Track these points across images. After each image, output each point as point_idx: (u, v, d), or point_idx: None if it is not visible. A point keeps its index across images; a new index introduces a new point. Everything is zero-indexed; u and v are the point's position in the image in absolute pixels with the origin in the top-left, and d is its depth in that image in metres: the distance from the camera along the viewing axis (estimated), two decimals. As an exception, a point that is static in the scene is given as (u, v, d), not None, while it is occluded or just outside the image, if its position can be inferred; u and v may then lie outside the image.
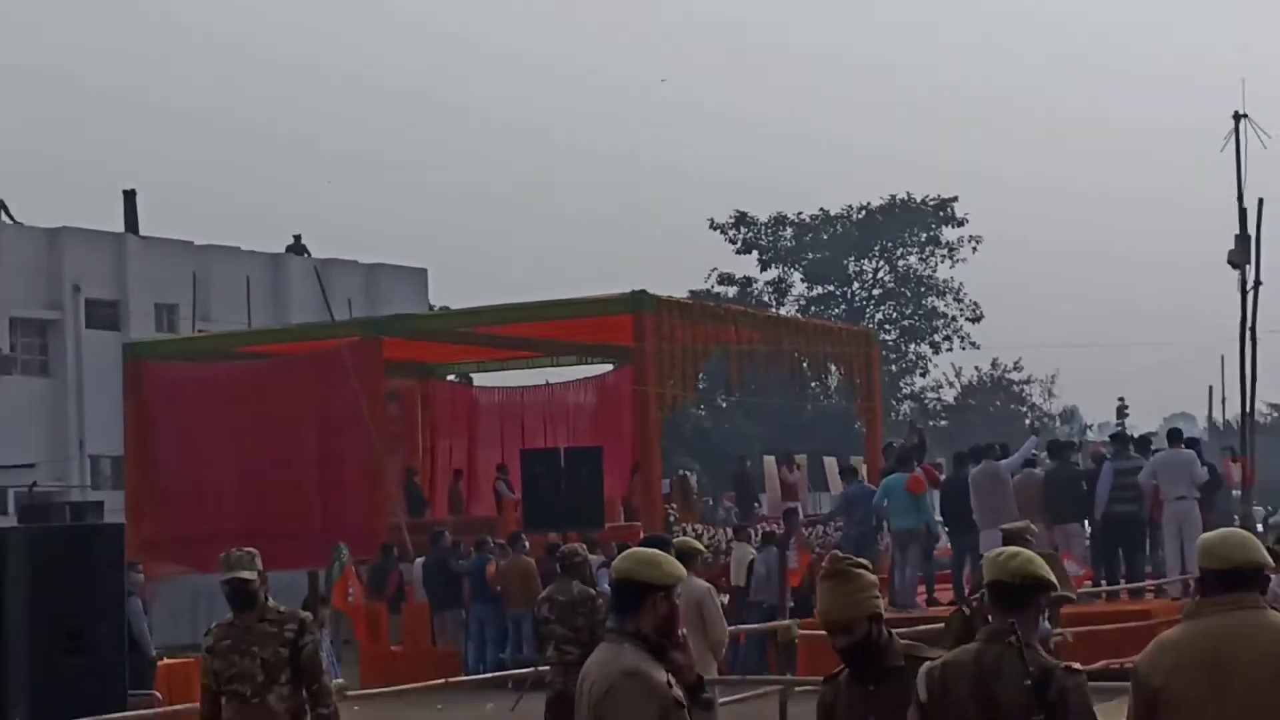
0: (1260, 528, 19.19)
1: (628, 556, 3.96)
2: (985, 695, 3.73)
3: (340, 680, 10.44)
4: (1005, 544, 8.49)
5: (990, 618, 3.88)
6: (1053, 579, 4.06)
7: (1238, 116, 18.51)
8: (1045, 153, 76.76)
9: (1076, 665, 3.94)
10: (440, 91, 77.40)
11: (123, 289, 30.42)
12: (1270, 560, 3.95)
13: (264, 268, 32.15)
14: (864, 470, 19.44)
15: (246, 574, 6.69)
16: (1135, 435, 20.61)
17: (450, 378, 25.74)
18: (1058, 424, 37.42)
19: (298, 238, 33.33)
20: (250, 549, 6.79)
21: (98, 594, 10.37)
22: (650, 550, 4.20)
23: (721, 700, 9.26)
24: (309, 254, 32.87)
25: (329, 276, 29.47)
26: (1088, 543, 16.92)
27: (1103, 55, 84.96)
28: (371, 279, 33.68)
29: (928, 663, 3.93)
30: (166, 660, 14.29)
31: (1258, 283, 18.40)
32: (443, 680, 12.48)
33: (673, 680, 3.81)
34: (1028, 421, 34.88)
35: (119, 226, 31.56)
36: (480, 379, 26.07)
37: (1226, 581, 3.82)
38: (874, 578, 3.87)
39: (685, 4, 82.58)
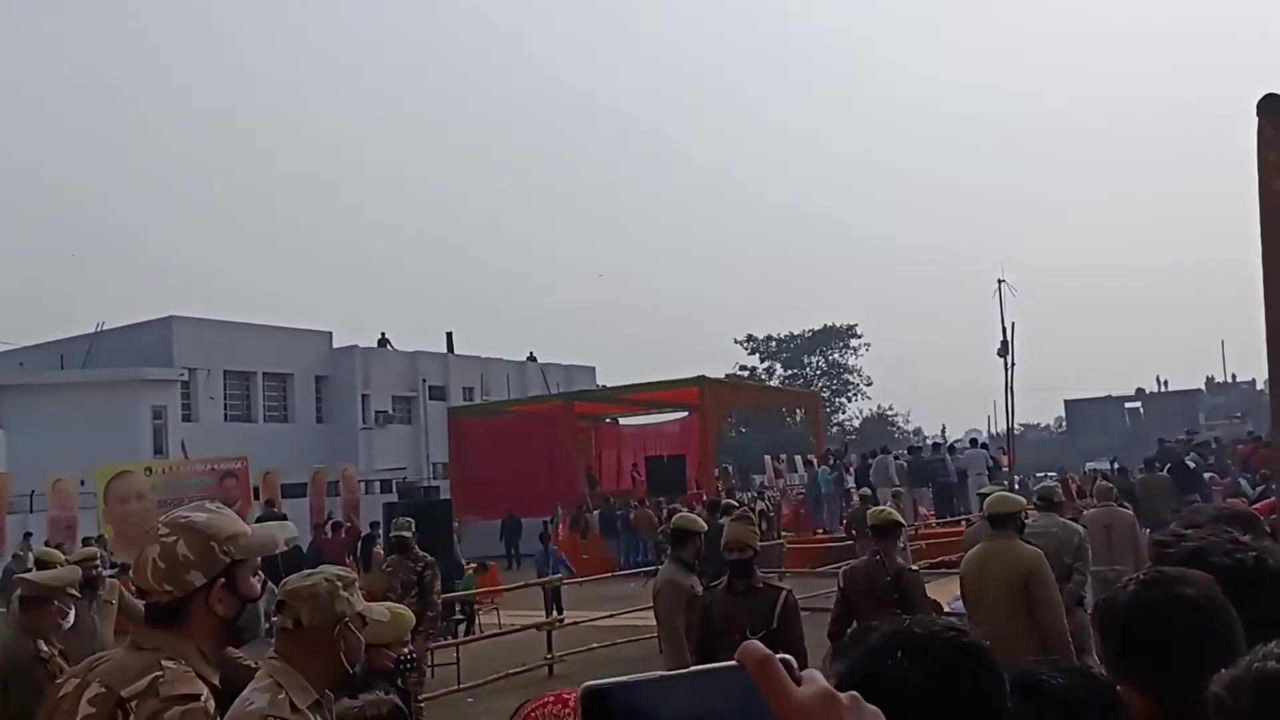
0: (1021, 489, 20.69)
1: (679, 517, 6.15)
2: (870, 584, 5.73)
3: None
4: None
5: (872, 543, 5.95)
6: (902, 521, 6.37)
7: (999, 281, 27.82)
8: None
9: (914, 567, 6.26)
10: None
11: (446, 380, 43.00)
12: (1022, 507, 5.95)
13: (515, 369, 45.37)
14: (815, 463, 27.13)
15: (405, 533, 9.43)
16: (949, 442, 32.42)
17: (607, 420, 35.04)
18: (912, 437, 54.09)
19: (531, 353, 46.82)
20: (409, 518, 9.85)
21: (443, 531, 14.56)
22: (691, 516, 6.45)
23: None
24: (537, 359, 46.37)
25: (549, 371, 43.41)
26: (931, 497, 24.61)
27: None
28: (569, 373, 46.11)
29: (846, 563, 6.14)
30: (470, 563, 17.83)
31: (1012, 364, 25.95)
32: (609, 573, 18.08)
33: (696, 583, 5.80)
34: (896, 437, 52.28)
35: (444, 349, 44.62)
36: (624, 421, 35.47)
37: (995, 521, 5.68)
38: (755, 526, 5.37)
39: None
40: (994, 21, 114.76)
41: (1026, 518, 6.11)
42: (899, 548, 6.58)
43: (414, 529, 9.90)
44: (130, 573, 2.42)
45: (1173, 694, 1.54)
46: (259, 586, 2.40)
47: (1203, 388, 76.32)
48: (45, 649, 5.25)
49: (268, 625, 2.45)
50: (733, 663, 0.77)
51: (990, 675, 1.16)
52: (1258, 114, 2.28)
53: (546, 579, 15.18)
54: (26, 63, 71.44)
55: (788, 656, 0.77)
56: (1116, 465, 24.76)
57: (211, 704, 2.22)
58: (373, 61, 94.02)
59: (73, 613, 5.80)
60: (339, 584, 2.74)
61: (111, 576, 7.91)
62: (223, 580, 2.29)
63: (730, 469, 30.82)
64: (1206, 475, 21.50)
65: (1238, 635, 1.59)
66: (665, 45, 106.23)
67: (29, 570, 7.80)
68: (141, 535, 2.41)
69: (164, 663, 2.18)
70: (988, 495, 6.65)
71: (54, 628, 5.47)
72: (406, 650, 3.64)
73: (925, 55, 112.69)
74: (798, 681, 0.76)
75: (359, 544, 22.03)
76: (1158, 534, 2.19)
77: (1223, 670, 1.22)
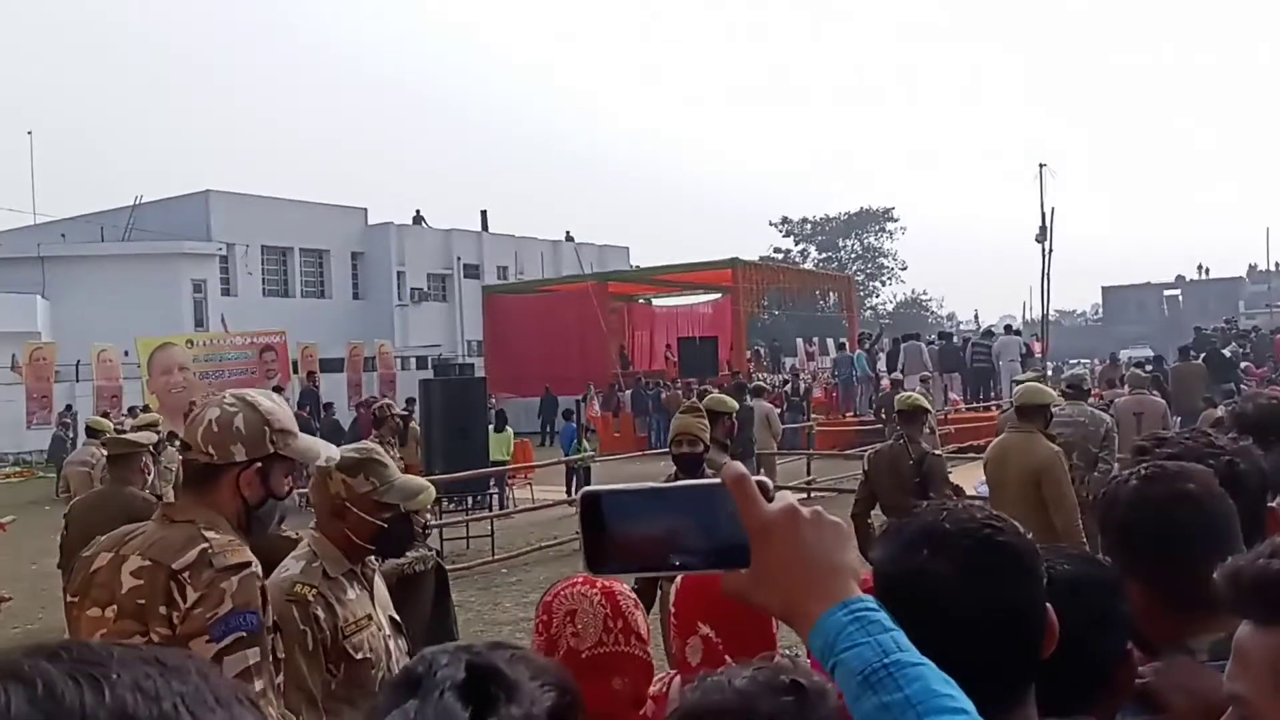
0: (1053, 376, 22.39)
1: (710, 398, 6.05)
2: (893, 468, 5.83)
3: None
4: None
5: (898, 426, 6.10)
6: (928, 406, 6.28)
7: (1040, 165, 27.92)
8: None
9: (938, 451, 6.57)
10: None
11: (481, 259, 43.18)
12: (1054, 399, 5.94)
13: (549, 248, 45.44)
14: (847, 346, 28.15)
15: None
16: (986, 327, 32.46)
17: (641, 300, 35.13)
18: (945, 323, 53.80)
19: (568, 232, 46.97)
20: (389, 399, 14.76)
21: (477, 408, 14.82)
22: (721, 396, 6.31)
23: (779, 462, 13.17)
24: (573, 239, 46.12)
25: (583, 251, 42.46)
26: (961, 382, 24.37)
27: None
28: (603, 253, 45.64)
29: (871, 447, 6.04)
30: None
31: (1050, 250, 26.62)
32: (639, 452, 17.90)
33: (725, 459, 5.14)
34: (930, 322, 52.13)
35: (478, 226, 44.50)
36: (657, 302, 35.79)
37: (1022, 413, 5.76)
38: (704, 417, 5.10)
39: None
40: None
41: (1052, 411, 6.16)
42: (925, 432, 6.55)
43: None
44: (183, 426, 2.52)
45: (1174, 587, 1.58)
46: (287, 488, 2.48)
47: (1244, 275, 74.95)
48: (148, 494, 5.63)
49: (280, 521, 2.54)
50: (717, 480, 0.89)
51: (1023, 573, 1.19)
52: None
53: (574, 457, 15.42)
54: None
55: (764, 479, 0.90)
56: (1152, 353, 24.58)
57: (260, 569, 2.31)
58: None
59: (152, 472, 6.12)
60: (334, 467, 2.80)
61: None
62: (259, 466, 2.37)
63: (762, 351, 31.12)
64: (1242, 365, 21.33)
65: (1236, 529, 1.62)
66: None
67: (73, 439, 8.14)
68: (204, 399, 2.52)
69: (206, 533, 2.25)
70: (1021, 383, 6.63)
71: (142, 483, 5.83)
72: (425, 519, 3.90)
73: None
74: (770, 500, 0.88)
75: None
76: (1137, 439, 2.19)
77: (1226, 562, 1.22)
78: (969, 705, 0.84)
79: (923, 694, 0.82)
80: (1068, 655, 1.25)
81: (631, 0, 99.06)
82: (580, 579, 1.90)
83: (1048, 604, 1.20)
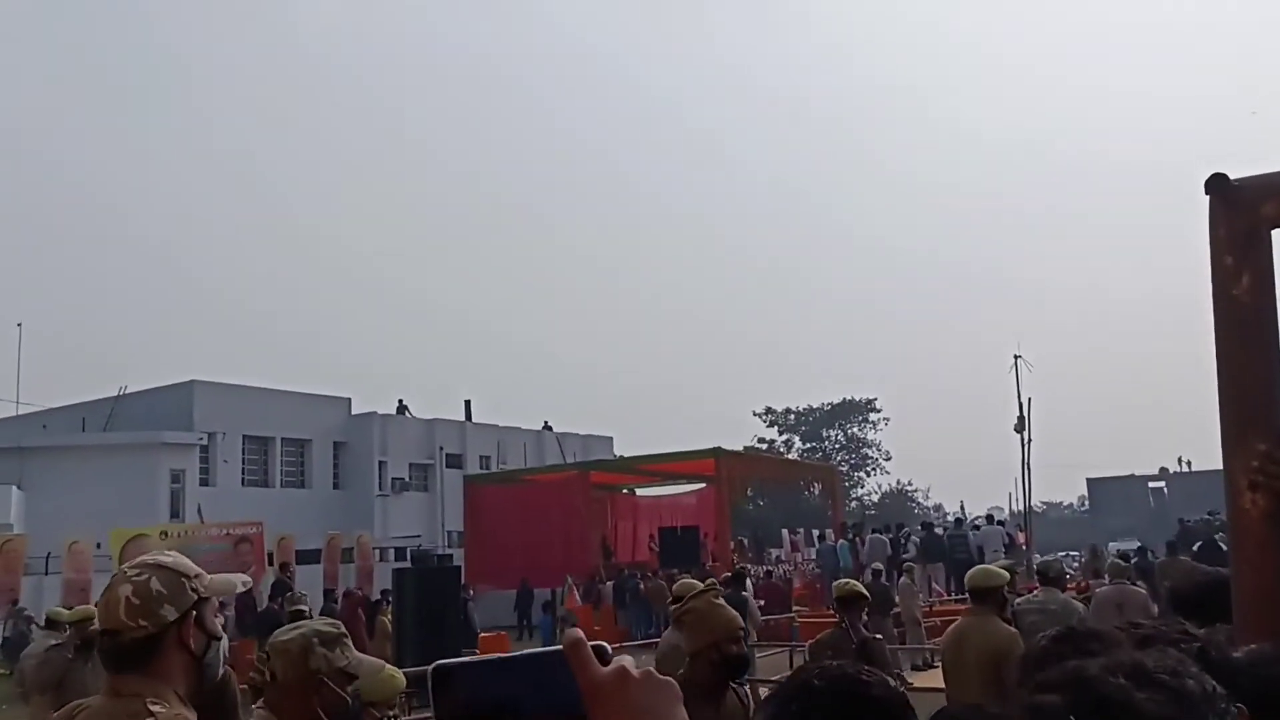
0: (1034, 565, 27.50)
1: (680, 584, 6.10)
2: (835, 655, 5.46)
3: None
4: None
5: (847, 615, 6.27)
6: (865, 593, 6.39)
7: (1015, 357, 29.98)
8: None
9: (878, 635, 6.56)
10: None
11: (464, 448, 43.28)
12: (1006, 579, 5.83)
13: (532, 438, 45.46)
14: (830, 537, 28.37)
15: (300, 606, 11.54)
16: (957, 517, 31.47)
17: (624, 490, 34.64)
18: (932, 513, 53.29)
19: (546, 422, 46.98)
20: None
21: (450, 599, 14.92)
22: (690, 581, 5.88)
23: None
24: (552, 429, 46.56)
25: (566, 441, 43.56)
26: (944, 573, 24.24)
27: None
28: (586, 442, 46.19)
29: (821, 634, 6.14)
30: (483, 633, 18.55)
31: (1029, 440, 29.69)
32: (618, 643, 15.51)
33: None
34: (916, 513, 51.67)
35: (461, 416, 44.85)
36: (641, 492, 35.19)
37: (975, 596, 5.74)
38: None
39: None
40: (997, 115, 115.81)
41: (1014, 594, 6.10)
42: (862, 620, 6.52)
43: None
44: (95, 618, 2.49)
45: None
46: (220, 625, 2.46)
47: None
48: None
49: (225, 667, 2.49)
50: (558, 646, 0.90)
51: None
52: (1206, 193, 2.33)
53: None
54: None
55: (601, 643, 0.90)
56: (1139, 546, 24.43)
57: None
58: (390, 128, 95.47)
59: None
60: (316, 640, 2.77)
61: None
62: (194, 614, 2.34)
63: (745, 541, 30.73)
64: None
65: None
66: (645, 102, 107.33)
67: (32, 629, 7.87)
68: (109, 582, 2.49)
69: (151, 708, 2.20)
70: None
71: None
72: (393, 713, 3.65)
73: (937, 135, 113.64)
74: (606, 664, 0.89)
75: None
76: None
77: None
78: None
79: None
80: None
81: (626, 189, 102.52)
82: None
83: None
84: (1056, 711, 0.89)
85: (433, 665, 0.92)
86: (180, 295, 73.21)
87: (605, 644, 0.92)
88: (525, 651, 0.95)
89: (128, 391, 37.71)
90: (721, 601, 4.07)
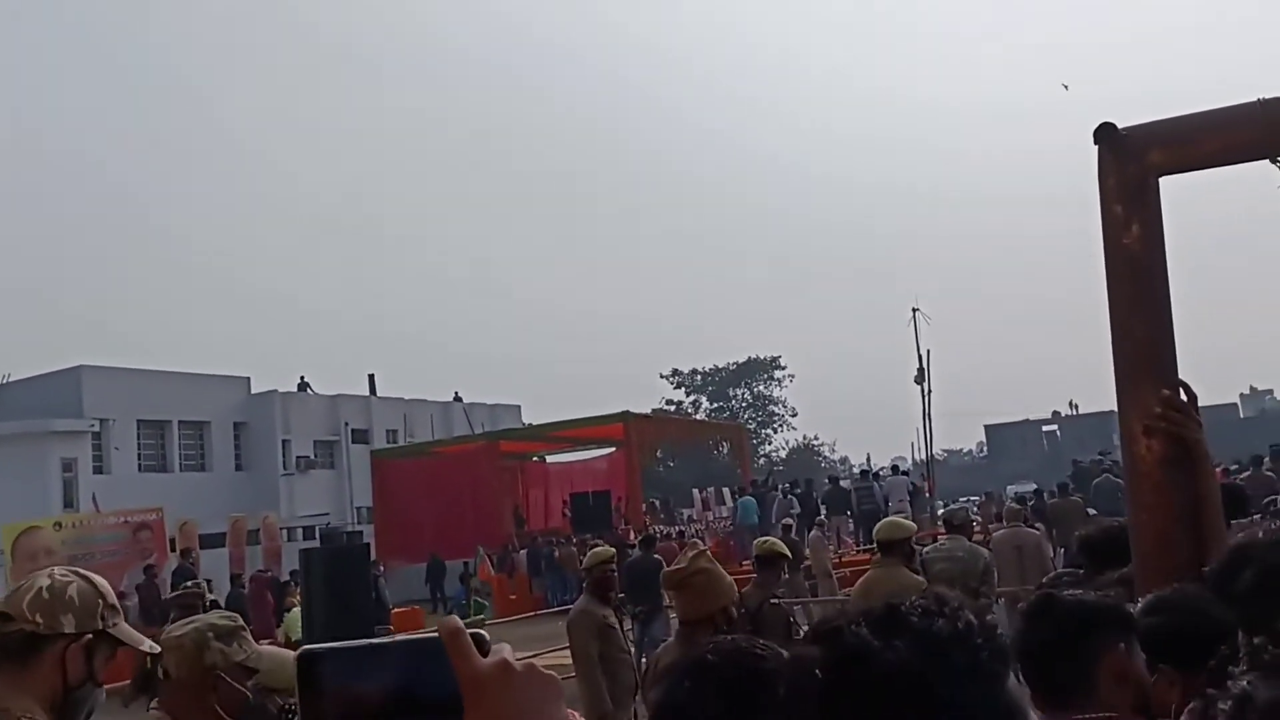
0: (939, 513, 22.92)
1: (591, 552, 6.75)
2: (757, 613, 5.75)
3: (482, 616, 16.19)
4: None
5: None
6: (786, 552, 6.39)
7: (913, 310, 29.73)
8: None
9: (777, 598, 6.08)
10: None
11: (369, 423, 43.17)
12: (913, 531, 6.11)
13: (439, 410, 45.13)
14: (740, 495, 27.66)
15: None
16: (872, 470, 31.69)
17: (534, 458, 34.95)
18: (839, 467, 54.59)
19: (457, 393, 46.82)
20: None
21: (359, 577, 12.66)
22: (603, 549, 6.79)
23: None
24: (462, 400, 46.27)
25: (473, 411, 43.18)
26: (852, 525, 24.39)
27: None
28: (494, 412, 46.42)
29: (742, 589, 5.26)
30: (396, 609, 19.02)
31: (929, 391, 29.11)
32: (533, 612, 18.02)
33: (610, 614, 6.09)
34: (823, 466, 52.76)
35: (365, 391, 44.77)
36: (551, 459, 35.62)
37: (883, 548, 5.92)
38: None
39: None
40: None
41: (918, 544, 6.24)
42: (782, 578, 6.55)
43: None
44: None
45: None
46: (101, 678, 2.33)
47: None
48: None
49: None
50: (435, 634, 0.85)
51: (787, 699, 1.16)
52: (1095, 142, 2.34)
53: (466, 621, 14.89)
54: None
55: (480, 631, 0.86)
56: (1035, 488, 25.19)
57: None
58: (287, 86, 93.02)
59: None
60: (211, 634, 2.67)
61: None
62: (87, 640, 2.23)
63: (657, 504, 31.08)
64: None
65: None
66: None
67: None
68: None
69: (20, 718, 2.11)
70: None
71: None
72: (291, 702, 3.54)
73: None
74: (485, 654, 0.84)
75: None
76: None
77: None
78: None
79: None
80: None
81: (522, 164, 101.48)
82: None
83: None
84: (812, 664, 0.88)
85: (298, 651, 0.87)
86: (63, 279, 70.45)
87: (484, 633, 0.87)
88: (400, 638, 0.90)
89: (11, 380, 36.28)
90: (720, 568, 4.29)
